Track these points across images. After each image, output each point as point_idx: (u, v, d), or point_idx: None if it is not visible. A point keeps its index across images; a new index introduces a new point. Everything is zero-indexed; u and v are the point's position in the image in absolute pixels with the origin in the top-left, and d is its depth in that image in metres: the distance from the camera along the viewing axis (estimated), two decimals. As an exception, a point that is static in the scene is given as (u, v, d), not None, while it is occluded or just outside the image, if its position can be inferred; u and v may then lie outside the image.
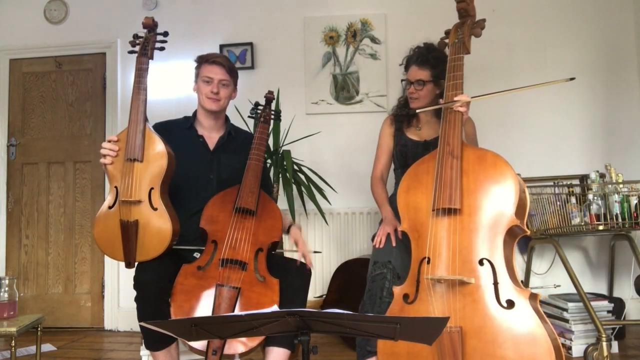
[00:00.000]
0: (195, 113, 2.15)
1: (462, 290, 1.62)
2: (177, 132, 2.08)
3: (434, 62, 2.13)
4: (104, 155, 1.83)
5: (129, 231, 1.76)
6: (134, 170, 1.81)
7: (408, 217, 1.81)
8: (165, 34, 2.00)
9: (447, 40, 1.99)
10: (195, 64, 2.14)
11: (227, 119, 2.20)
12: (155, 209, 1.79)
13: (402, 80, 2.30)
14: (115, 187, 1.82)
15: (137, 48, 1.95)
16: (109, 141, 1.85)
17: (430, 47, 2.16)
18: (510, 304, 1.58)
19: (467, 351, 1.57)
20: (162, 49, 2.02)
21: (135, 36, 1.97)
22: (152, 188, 1.80)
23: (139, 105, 1.86)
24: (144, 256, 1.77)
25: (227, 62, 2.09)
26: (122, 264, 1.80)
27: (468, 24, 1.93)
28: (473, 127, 2.24)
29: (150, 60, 1.93)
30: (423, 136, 2.20)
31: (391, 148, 2.28)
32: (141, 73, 1.90)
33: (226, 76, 2.07)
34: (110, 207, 1.81)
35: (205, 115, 2.11)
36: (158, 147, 1.83)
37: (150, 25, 1.98)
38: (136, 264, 1.80)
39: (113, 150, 1.83)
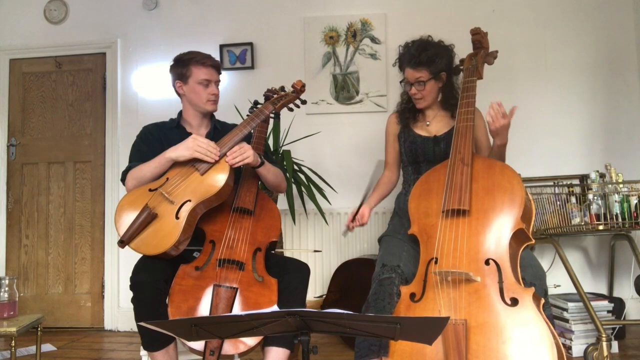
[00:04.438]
0: (180, 114, 2.15)
1: (468, 288, 1.66)
2: (168, 132, 2.09)
3: (428, 61, 2.08)
4: (205, 154, 1.86)
5: (143, 217, 1.78)
6: (190, 176, 1.86)
7: (418, 221, 1.89)
8: (304, 102, 2.22)
9: (462, 67, 2.14)
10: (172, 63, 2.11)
11: (212, 115, 2.19)
12: (177, 219, 1.79)
13: (400, 81, 2.29)
14: (167, 178, 1.87)
15: (274, 96, 2.13)
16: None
17: (420, 47, 2.11)
18: (514, 301, 1.61)
19: (471, 346, 1.59)
20: (290, 109, 2.22)
21: (282, 88, 2.18)
22: (189, 200, 1.82)
23: (237, 135, 1.94)
24: (135, 245, 1.78)
25: (218, 63, 2.12)
26: (121, 263, 1.80)
27: (481, 54, 2.10)
28: (484, 121, 2.19)
29: (274, 113, 2.13)
30: (432, 132, 2.17)
31: (396, 146, 2.26)
32: (260, 115, 2.03)
33: (218, 76, 2.11)
34: (150, 190, 1.85)
35: (195, 115, 2.11)
36: (221, 175, 1.85)
37: (298, 89, 2.17)
38: (133, 265, 1.81)
39: (212, 157, 1.86)
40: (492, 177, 1.81)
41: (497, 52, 2.15)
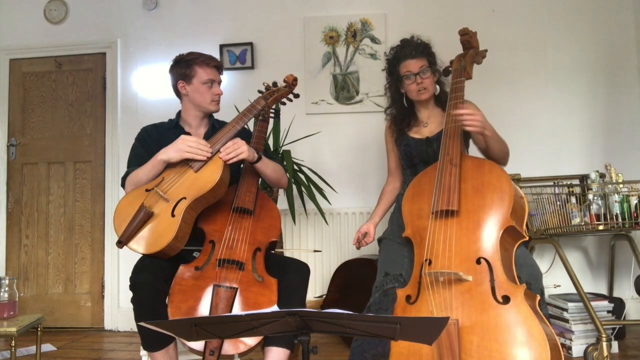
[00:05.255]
0: (179, 114, 2.15)
1: (460, 288, 1.66)
2: (166, 132, 2.09)
3: (427, 51, 2.16)
4: (196, 153, 1.87)
5: (140, 217, 1.79)
6: (184, 174, 1.87)
7: (412, 224, 1.89)
8: (296, 95, 2.23)
9: (450, 68, 2.14)
10: (173, 62, 2.11)
11: (210, 114, 2.19)
12: (173, 216, 1.79)
13: (386, 86, 2.26)
14: (163, 177, 1.88)
15: (265, 92, 2.15)
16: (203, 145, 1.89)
17: (417, 39, 2.18)
18: (506, 299, 1.61)
19: (465, 345, 1.58)
20: (283, 103, 2.22)
21: (274, 84, 2.20)
22: (184, 197, 1.82)
23: (230, 131, 1.95)
24: (133, 245, 1.79)
25: (220, 63, 2.13)
26: (121, 263, 1.81)
27: (470, 54, 2.09)
28: (476, 108, 2.18)
29: (273, 110, 2.20)
30: (425, 133, 2.19)
31: (396, 152, 2.27)
32: (252, 111, 2.03)
33: (220, 77, 2.11)
34: (146, 190, 1.87)
35: (197, 116, 2.12)
36: (215, 173, 1.85)
37: (290, 83, 2.17)
38: (133, 265, 1.81)
39: (203, 155, 1.87)
40: (481, 177, 1.81)
41: (486, 51, 2.14)
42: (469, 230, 1.74)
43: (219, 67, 2.09)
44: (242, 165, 2.07)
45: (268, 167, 2.03)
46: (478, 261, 1.68)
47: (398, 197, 2.26)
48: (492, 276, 1.64)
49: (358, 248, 2.20)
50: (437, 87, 2.21)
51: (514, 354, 1.53)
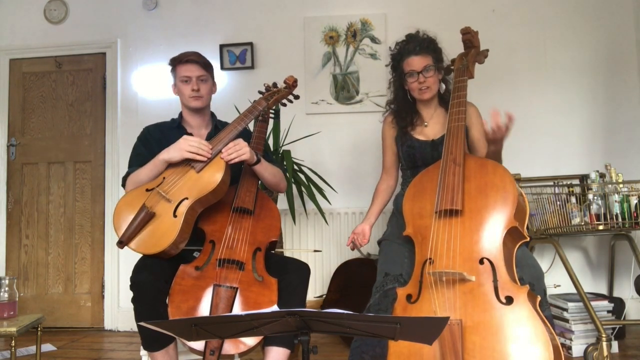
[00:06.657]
0: (180, 114, 2.16)
1: (463, 288, 1.66)
2: (169, 132, 2.09)
3: (433, 47, 2.13)
4: (197, 153, 1.86)
5: (141, 217, 1.78)
6: (186, 174, 1.87)
7: (413, 223, 1.88)
8: (296, 97, 2.23)
9: (452, 67, 2.13)
10: (170, 68, 2.14)
11: (212, 115, 2.20)
12: (175, 217, 1.79)
13: (391, 78, 2.23)
14: (164, 177, 1.88)
15: (266, 93, 2.15)
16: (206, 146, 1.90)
17: (424, 35, 2.15)
18: (509, 300, 1.60)
19: (467, 346, 1.58)
20: (284, 104, 2.23)
21: (274, 85, 2.20)
22: (186, 198, 1.82)
23: (232, 132, 1.95)
24: (134, 245, 1.79)
25: (201, 58, 2.09)
26: (121, 263, 1.80)
27: (472, 53, 2.09)
28: (481, 119, 2.17)
29: (273, 111, 2.21)
30: (430, 135, 2.15)
31: (394, 149, 2.25)
32: (253, 112, 2.04)
33: (202, 72, 2.07)
34: (147, 190, 1.86)
35: (191, 114, 2.12)
36: (217, 174, 1.85)
37: (290, 84, 2.18)
38: (133, 265, 1.81)
39: (204, 155, 1.87)
40: (485, 176, 1.80)
41: (487, 50, 2.13)
42: (472, 230, 1.73)
43: (196, 62, 2.06)
44: (242, 165, 2.07)
45: (267, 171, 2.02)
46: (481, 261, 1.68)
47: (397, 199, 2.24)
48: (495, 276, 1.64)
49: (352, 249, 2.16)
50: (443, 85, 2.19)
51: (516, 354, 1.53)
